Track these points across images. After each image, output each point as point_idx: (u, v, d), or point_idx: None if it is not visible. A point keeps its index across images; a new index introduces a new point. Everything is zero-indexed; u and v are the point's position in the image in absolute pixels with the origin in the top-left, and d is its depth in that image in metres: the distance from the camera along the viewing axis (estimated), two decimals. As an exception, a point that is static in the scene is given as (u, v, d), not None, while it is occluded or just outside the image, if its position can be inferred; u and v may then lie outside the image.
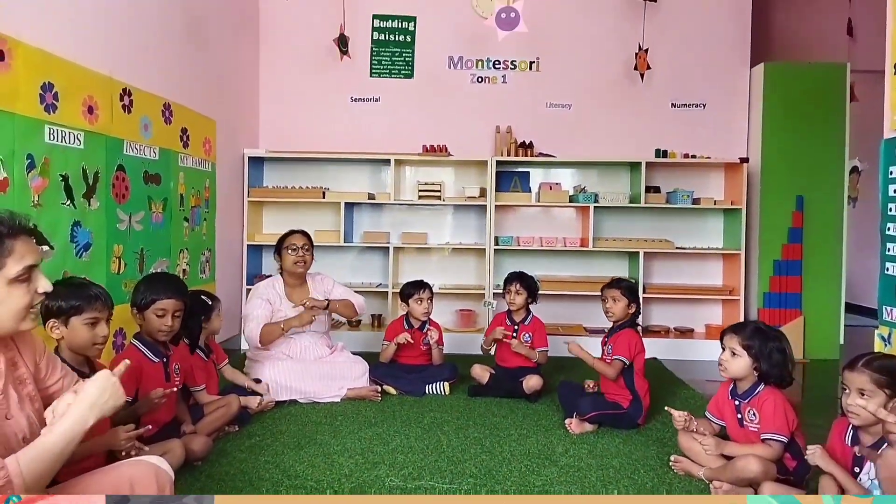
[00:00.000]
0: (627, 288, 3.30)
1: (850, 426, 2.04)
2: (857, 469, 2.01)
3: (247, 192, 4.95)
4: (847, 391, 1.99)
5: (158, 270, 3.54)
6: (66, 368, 1.81)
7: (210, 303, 3.11)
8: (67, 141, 2.83)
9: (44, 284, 1.52)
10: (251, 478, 2.48)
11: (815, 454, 2.03)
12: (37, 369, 1.67)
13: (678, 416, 2.53)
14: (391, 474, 2.54)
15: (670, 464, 2.63)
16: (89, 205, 2.98)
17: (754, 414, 2.43)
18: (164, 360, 2.65)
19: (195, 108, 4.08)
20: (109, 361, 2.60)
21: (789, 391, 2.47)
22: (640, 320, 3.52)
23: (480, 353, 3.91)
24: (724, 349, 2.52)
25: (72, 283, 2.26)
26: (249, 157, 4.95)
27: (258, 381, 3.40)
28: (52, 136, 2.72)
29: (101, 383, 1.52)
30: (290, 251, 3.64)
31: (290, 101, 5.26)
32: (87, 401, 1.49)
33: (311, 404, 3.47)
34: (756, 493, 2.25)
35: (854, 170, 5.42)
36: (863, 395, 1.94)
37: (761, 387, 2.43)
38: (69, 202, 2.83)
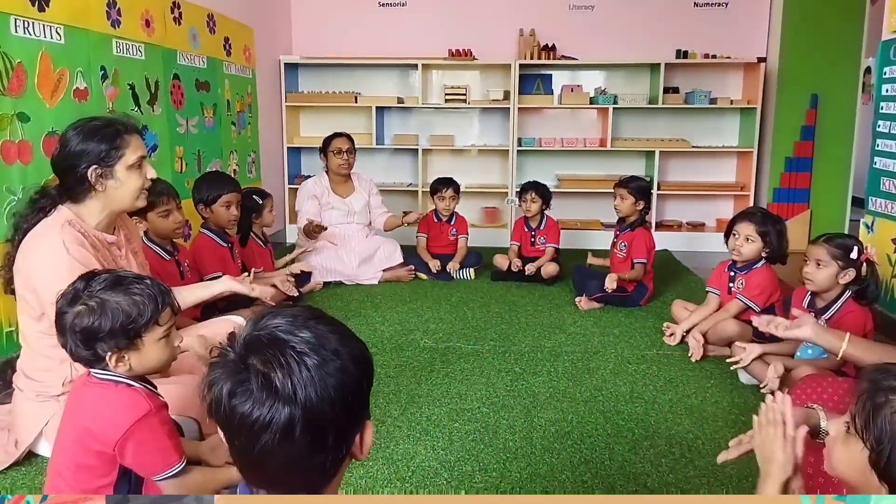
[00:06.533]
0: (636, 187, 3.57)
1: (809, 292, 2.41)
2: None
3: (284, 98, 5.26)
4: (807, 261, 2.34)
5: (211, 170, 3.95)
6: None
7: (261, 201, 3.52)
8: (131, 53, 3.18)
9: (151, 172, 1.94)
10: (309, 339, 2.98)
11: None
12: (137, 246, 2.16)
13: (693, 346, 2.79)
14: (425, 338, 3.02)
15: (663, 329, 3.06)
16: (153, 110, 3.36)
17: (742, 283, 2.81)
18: (230, 245, 3.11)
19: (235, 16, 4.35)
20: (189, 245, 3.07)
21: (790, 277, 2.79)
22: (649, 217, 3.83)
23: (504, 245, 4.31)
24: (736, 235, 2.78)
25: None
26: (285, 64, 5.22)
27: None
28: (118, 49, 3.06)
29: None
30: (335, 154, 4.02)
31: (321, 7, 5.45)
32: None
33: (353, 285, 3.96)
34: (731, 351, 2.67)
35: (869, 70, 5.46)
36: (819, 265, 2.30)
37: (760, 263, 2.78)
38: (137, 108, 3.22)
